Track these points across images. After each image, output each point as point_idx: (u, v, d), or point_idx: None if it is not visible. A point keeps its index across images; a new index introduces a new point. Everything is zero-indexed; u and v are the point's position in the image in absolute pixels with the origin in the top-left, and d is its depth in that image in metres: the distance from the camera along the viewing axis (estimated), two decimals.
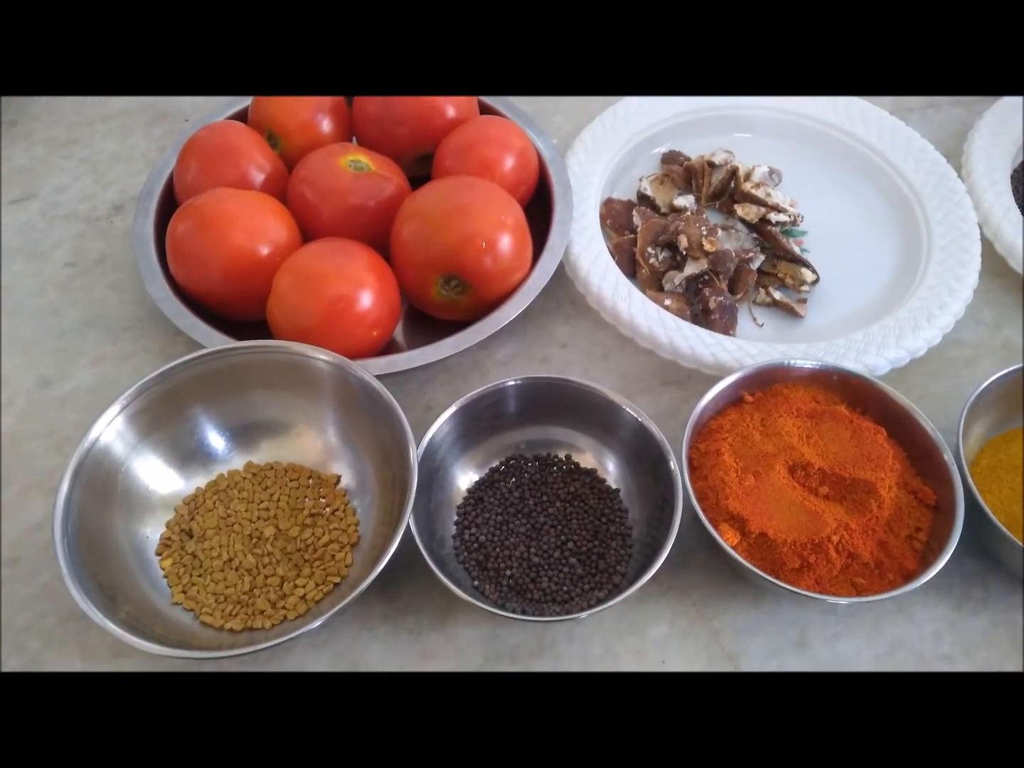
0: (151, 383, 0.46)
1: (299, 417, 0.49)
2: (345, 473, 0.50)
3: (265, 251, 0.52)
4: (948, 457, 0.46)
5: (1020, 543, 0.43)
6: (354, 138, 0.62)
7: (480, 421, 0.49)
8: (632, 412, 0.48)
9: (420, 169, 0.60)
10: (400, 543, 0.43)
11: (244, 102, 0.63)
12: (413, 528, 0.44)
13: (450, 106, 0.59)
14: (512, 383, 0.48)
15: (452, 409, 0.47)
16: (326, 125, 0.60)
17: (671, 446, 0.47)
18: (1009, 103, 0.64)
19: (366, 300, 0.51)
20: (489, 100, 0.63)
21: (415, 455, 0.45)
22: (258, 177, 0.57)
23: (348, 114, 0.61)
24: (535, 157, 0.59)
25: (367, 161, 0.56)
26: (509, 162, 0.57)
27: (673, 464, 0.46)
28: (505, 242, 0.52)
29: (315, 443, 0.50)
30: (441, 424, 0.47)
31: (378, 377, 0.51)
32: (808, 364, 0.49)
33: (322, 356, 0.48)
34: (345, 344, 0.50)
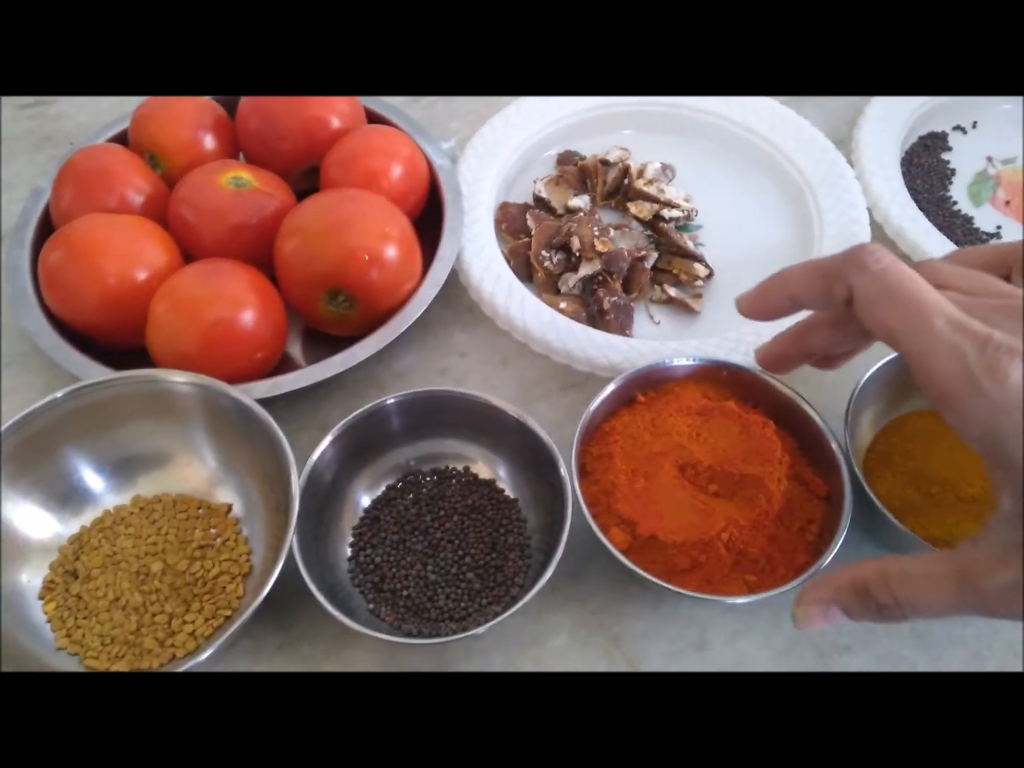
0: (10, 431, 0.44)
1: (176, 446, 0.48)
2: (234, 500, 0.48)
3: (142, 277, 0.51)
4: (836, 446, 0.46)
5: (906, 529, 0.43)
6: (242, 155, 0.61)
7: (369, 440, 0.48)
8: (520, 419, 0.47)
9: (309, 183, 0.59)
10: (291, 570, 0.43)
11: (127, 124, 0.61)
12: (298, 555, 0.43)
13: (335, 117, 0.58)
14: (391, 401, 0.47)
15: (330, 437, 0.46)
16: (209, 142, 0.58)
17: (569, 451, 0.46)
18: None
19: (247, 321, 0.49)
20: (378, 109, 0.62)
21: (296, 480, 0.44)
22: (137, 200, 0.55)
23: (232, 131, 0.60)
24: (424, 165, 0.58)
25: (249, 178, 0.55)
26: (396, 171, 0.56)
27: (563, 470, 0.45)
28: (390, 254, 0.51)
29: (198, 472, 0.48)
30: (324, 448, 0.46)
31: (268, 399, 0.50)
32: (692, 361, 0.49)
33: (182, 380, 0.46)
34: (228, 368, 0.49)
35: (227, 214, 0.53)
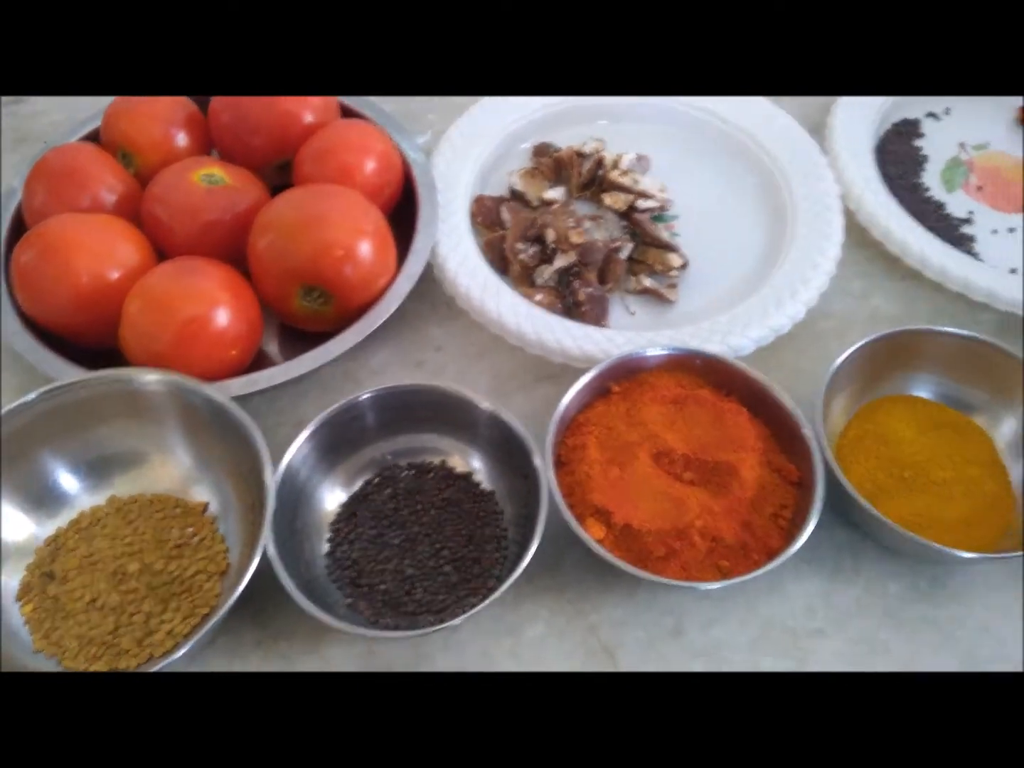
0: None
1: (151, 445, 0.48)
2: (210, 499, 0.48)
3: (115, 276, 0.50)
4: (808, 432, 0.46)
5: (877, 512, 0.44)
6: (216, 152, 0.60)
7: (345, 436, 0.48)
8: (493, 411, 0.47)
9: (283, 178, 0.59)
10: (268, 567, 0.43)
11: (100, 122, 0.61)
12: (273, 553, 0.43)
13: (307, 112, 0.58)
14: (365, 396, 0.47)
15: (305, 434, 0.46)
16: (181, 139, 0.58)
17: (545, 443, 0.46)
18: None
19: (221, 319, 0.49)
20: (351, 102, 0.62)
21: (270, 477, 0.44)
22: (109, 199, 0.55)
23: (205, 127, 0.60)
24: (399, 159, 0.58)
25: (222, 174, 0.55)
26: (370, 166, 0.56)
27: (537, 461, 0.46)
28: (364, 249, 0.51)
29: (173, 471, 0.48)
30: (299, 445, 0.46)
31: (244, 396, 0.50)
32: (665, 351, 0.49)
33: (154, 379, 0.46)
34: (202, 366, 0.49)
35: (200, 211, 0.53)
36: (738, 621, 0.46)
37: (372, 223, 0.52)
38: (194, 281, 0.50)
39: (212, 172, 0.55)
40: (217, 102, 0.58)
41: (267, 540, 0.43)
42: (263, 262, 0.51)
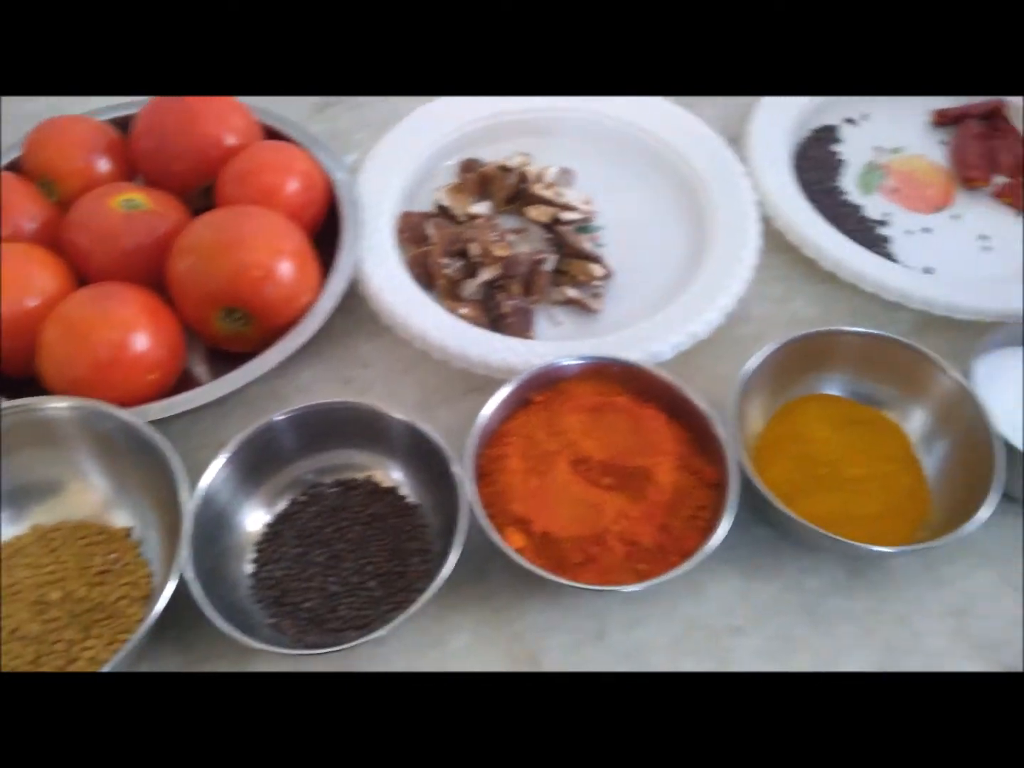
0: None
1: (66, 473, 0.48)
2: (133, 523, 0.48)
3: (32, 304, 0.50)
4: (722, 434, 0.47)
5: (787, 510, 0.45)
6: (141, 177, 0.61)
7: (266, 457, 0.48)
8: (411, 424, 0.48)
9: (207, 201, 0.59)
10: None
11: (20, 151, 0.61)
12: (191, 575, 0.43)
13: (229, 134, 0.58)
14: (281, 417, 0.48)
15: (222, 458, 0.46)
16: (103, 166, 0.58)
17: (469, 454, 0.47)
18: None
19: (139, 344, 0.49)
20: (276, 124, 0.62)
21: (187, 500, 0.44)
22: (29, 227, 0.55)
23: (128, 153, 0.60)
24: (322, 179, 0.59)
25: (142, 199, 0.55)
26: (292, 186, 0.57)
27: (456, 470, 0.46)
28: (284, 269, 0.52)
29: (91, 497, 0.48)
30: (218, 468, 0.46)
31: (168, 419, 0.50)
32: (584, 360, 0.50)
33: (63, 405, 0.47)
34: (121, 391, 0.49)
35: (119, 237, 0.53)
36: (660, 622, 0.47)
37: (292, 243, 0.53)
38: (111, 307, 0.50)
39: (132, 197, 0.55)
40: (138, 127, 0.58)
41: (185, 563, 0.43)
42: (182, 285, 0.52)
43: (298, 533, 0.48)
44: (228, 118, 0.58)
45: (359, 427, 0.49)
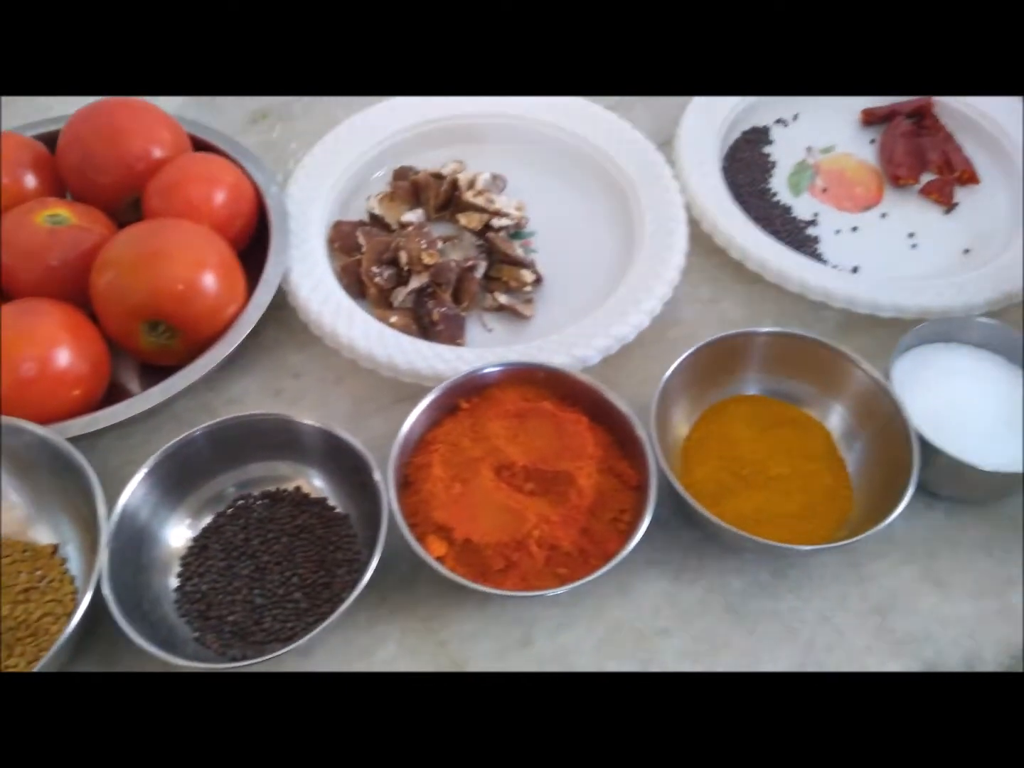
0: None
1: None
2: (58, 540, 0.48)
3: None
4: (644, 437, 0.48)
5: (706, 512, 0.45)
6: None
7: (188, 471, 0.48)
8: (330, 432, 0.48)
9: (138, 215, 0.59)
10: None
11: None
12: (108, 592, 0.43)
13: (156, 147, 0.58)
14: (199, 432, 0.48)
15: (140, 475, 0.46)
16: (30, 181, 0.58)
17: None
18: None
19: (61, 360, 0.49)
20: (206, 136, 0.62)
21: (104, 517, 0.44)
22: None
23: (55, 168, 0.59)
24: (251, 190, 0.59)
25: (67, 214, 0.55)
26: (219, 198, 0.56)
27: (377, 477, 0.46)
28: (207, 282, 0.52)
29: (10, 513, 0.48)
30: (136, 484, 0.46)
31: (94, 434, 0.50)
32: (509, 366, 0.51)
33: None
34: (44, 408, 0.49)
35: (43, 253, 0.53)
36: (586, 626, 0.47)
37: (215, 255, 0.52)
38: (32, 323, 0.49)
39: (57, 212, 0.54)
40: (64, 141, 0.58)
41: (103, 580, 0.43)
42: (105, 300, 0.51)
43: (224, 546, 0.48)
44: (154, 131, 0.58)
45: (286, 438, 0.49)
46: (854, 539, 0.45)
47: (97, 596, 0.43)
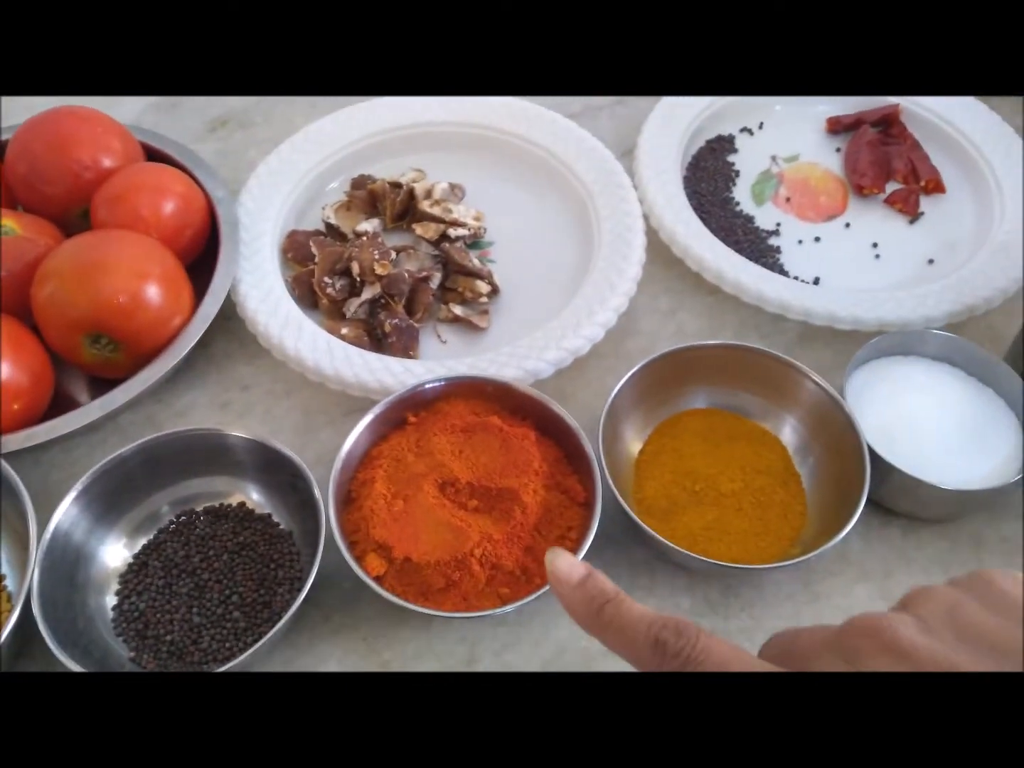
0: None
1: None
2: None
3: None
4: (591, 451, 0.47)
5: (650, 530, 0.44)
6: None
7: (126, 488, 0.47)
8: (272, 446, 0.47)
9: (88, 226, 0.58)
10: None
11: None
12: (37, 612, 0.42)
13: (105, 157, 0.57)
14: (130, 450, 0.47)
15: (73, 493, 0.45)
16: None
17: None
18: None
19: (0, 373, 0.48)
20: (158, 145, 0.61)
21: (34, 535, 0.43)
22: None
23: (2, 178, 0.58)
24: (201, 200, 0.58)
25: (13, 225, 0.54)
26: (168, 207, 0.56)
27: (318, 493, 0.45)
28: (151, 294, 0.51)
29: None
30: (70, 503, 0.45)
31: (37, 448, 0.49)
32: (455, 379, 0.50)
33: None
34: None
35: None
36: (532, 645, 0.46)
37: (160, 266, 0.52)
38: None
39: (3, 223, 0.54)
40: (12, 152, 0.57)
41: (32, 598, 0.42)
42: (45, 312, 0.50)
43: (164, 564, 0.47)
44: (103, 140, 0.57)
45: (215, 453, 0.48)
46: (804, 557, 0.44)
47: (28, 616, 0.42)
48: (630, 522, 0.47)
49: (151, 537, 0.48)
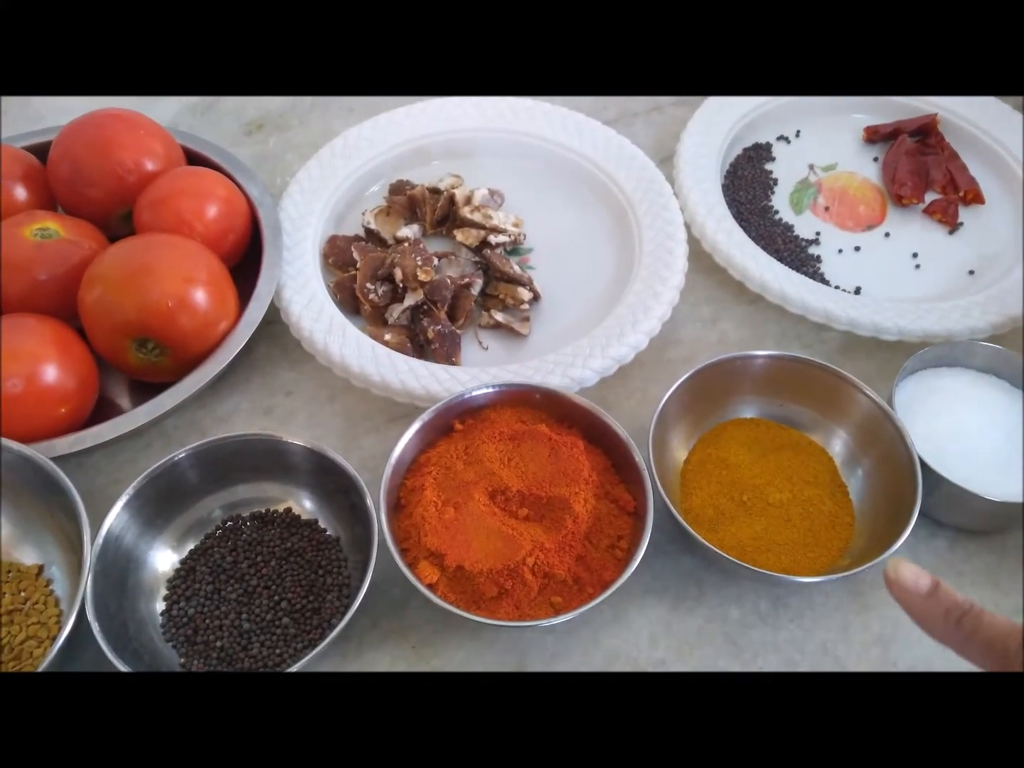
0: None
1: None
2: (43, 561, 0.47)
3: None
4: (641, 461, 0.46)
5: (702, 539, 0.44)
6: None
7: (175, 493, 0.47)
8: (325, 453, 0.47)
9: (130, 228, 0.58)
10: None
11: None
12: (93, 617, 0.41)
13: (148, 160, 0.57)
14: (183, 455, 0.47)
15: (124, 498, 0.45)
16: (20, 194, 0.57)
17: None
18: (716, 101, 0.67)
19: (47, 377, 0.48)
20: (199, 149, 0.61)
21: (88, 539, 0.43)
22: None
23: (46, 180, 0.58)
24: (244, 204, 0.58)
25: (56, 227, 0.54)
26: (211, 212, 0.56)
27: (370, 503, 0.45)
28: (197, 298, 0.51)
29: None
30: (121, 507, 0.45)
31: (83, 452, 0.49)
32: (505, 387, 0.49)
33: None
34: (30, 425, 0.48)
35: (30, 267, 0.52)
36: (581, 655, 0.46)
37: (205, 271, 0.51)
38: (18, 339, 0.48)
39: (46, 226, 0.54)
40: (55, 154, 0.57)
41: (87, 604, 0.42)
42: (93, 316, 0.50)
43: (212, 569, 0.47)
44: (146, 143, 0.57)
45: (276, 458, 0.48)
46: (858, 569, 0.44)
47: (82, 620, 0.42)
48: (678, 531, 0.47)
49: (198, 542, 0.48)
